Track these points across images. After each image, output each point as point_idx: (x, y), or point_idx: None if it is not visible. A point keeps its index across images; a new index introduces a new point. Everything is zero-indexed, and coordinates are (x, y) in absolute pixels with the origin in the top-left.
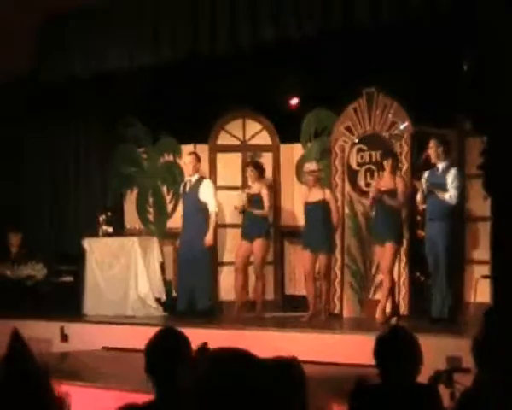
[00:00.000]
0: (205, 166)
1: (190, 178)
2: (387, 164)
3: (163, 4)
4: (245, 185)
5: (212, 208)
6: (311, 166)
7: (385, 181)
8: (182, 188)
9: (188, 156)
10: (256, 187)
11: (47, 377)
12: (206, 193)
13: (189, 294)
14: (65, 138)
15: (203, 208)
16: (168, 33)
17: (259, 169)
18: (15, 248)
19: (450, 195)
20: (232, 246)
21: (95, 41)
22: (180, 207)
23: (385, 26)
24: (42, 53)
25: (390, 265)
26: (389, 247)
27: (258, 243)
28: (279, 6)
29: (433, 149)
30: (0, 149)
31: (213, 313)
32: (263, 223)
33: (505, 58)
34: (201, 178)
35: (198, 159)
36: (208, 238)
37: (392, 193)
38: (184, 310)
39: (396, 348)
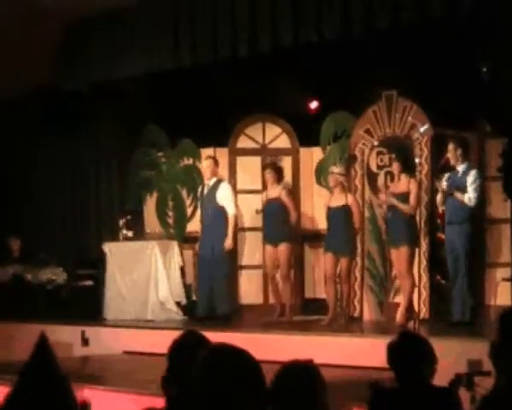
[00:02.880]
0: (224, 170)
1: (208, 181)
2: (395, 166)
3: (183, 9)
4: (265, 189)
5: (232, 212)
6: (335, 168)
7: (400, 184)
8: (199, 192)
9: (205, 160)
10: (275, 190)
11: (69, 381)
12: (224, 196)
13: (209, 298)
14: (85, 144)
15: (222, 212)
16: (188, 38)
17: (278, 172)
18: (17, 252)
19: (469, 197)
20: (252, 250)
21: (114, 48)
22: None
23: (404, 29)
24: (61, 61)
25: (407, 268)
26: (404, 250)
27: (282, 248)
28: (299, 10)
29: (451, 152)
30: (21, 156)
31: (232, 318)
32: (286, 227)
33: None
34: (219, 182)
35: (216, 163)
36: (228, 242)
37: (405, 196)
38: (204, 314)
39: (406, 353)
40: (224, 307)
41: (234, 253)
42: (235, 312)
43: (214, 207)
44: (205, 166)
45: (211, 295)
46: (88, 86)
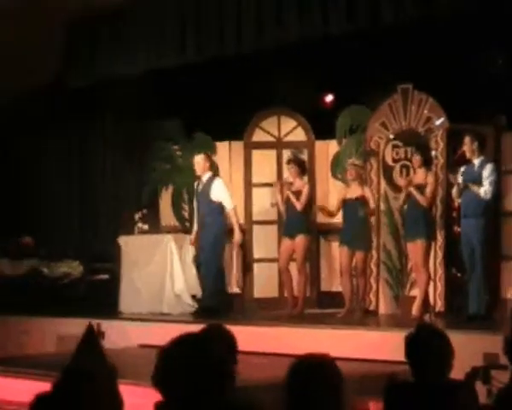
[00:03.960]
0: (240, 163)
1: (202, 177)
2: (416, 160)
3: (190, 3)
4: (281, 182)
5: (230, 206)
6: (356, 160)
7: (417, 177)
8: (195, 187)
9: (197, 155)
10: (298, 184)
11: (115, 374)
12: (218, 192)
13: (207, 291)
14: (101, 139)
15: (217, 207)
16: (196, 33)
17: (300, 166)
18: (30, 249)
19: (484, 190)
20: (267, 242)
21: (123, 42)
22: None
23: (420, 22)
24: (70, 56)
25: (423, 261)
26: (420, 244)
27: (299, 240)
28: (313, 2)
29: (468, 145)
30: (36, 150)
31: (219, 311)
32: (303, 219)
33: None
34: (213, 177)
35: (207, 158)
36: (236, 237)
37: (421, 189)
38: (204, 307)
39: (423, 346)
40: (220, 297)
41: (221, 248)
42: (223, 306)
43: (209, 203)
44: (196, 161)
45: (209, 287)
46: (100, 80)
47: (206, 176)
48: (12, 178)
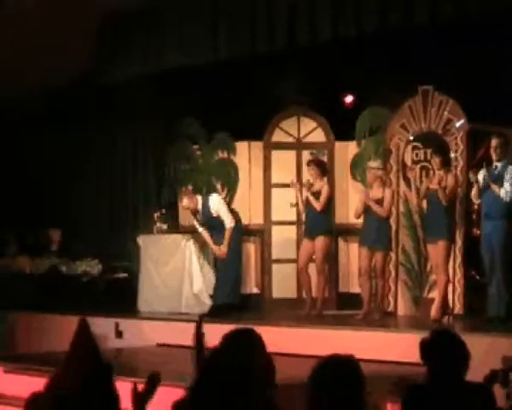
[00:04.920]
0: (259, 164)
1: (197, 208)
2: (436, 162)
3: (221, 2)
4: (301, 183)
5: (228, 225)
6: (374, 163)
7: (436, 179)
8: (195, 220)
9: (184, 200)
10: (318, 185)
11: (110, 371)
12: (217, 209)
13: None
14: (122, 137)
15: (217, 222)
16: (226, 32)
17: (320, 167)
18: (56, 244)
19: (505, 191)
20: (287, 243)
21: (152, 40)
22: (235, 204)
23: (441, 24)
24: (100, 54)
25: (443, 263)
26: (442, 245)
27: (319, 241)
28: (337, 5)
29: (494, 147)
30: (56, 148)
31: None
32: (324, 220)
33: None
34: (207, 197)
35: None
36: (223, 251)
37: (443, 190)
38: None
39: (438, 349)
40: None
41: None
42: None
43: (209, 219)
44: (184, 206)
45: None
46: (125, 80)
47: (199, 205)
48: (31, 175)
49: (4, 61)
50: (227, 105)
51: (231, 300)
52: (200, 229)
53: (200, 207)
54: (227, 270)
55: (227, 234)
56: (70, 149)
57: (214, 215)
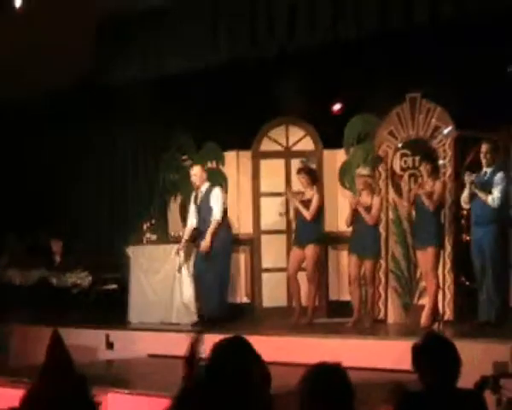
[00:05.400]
0: (248, 173)
1: (201, 188)
2: (425, 169)
3: (221, 7)
4: (291, 192)
5: (217, 216)
6: (362, 170)
7: (425, 185)
8: (193, 199)
9: (195, 167)
10: (308, 193)
11: (85, 381)
12: (214, 200)
13: (210, 300)
14: (112, 149)
15: (209, 214)
16: (226, 34)
17: (310, 175)
18: (59, 255)
19: (493, 198)
20: (276, 252)
21: (152, 42)
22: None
23: (428, 31)
24: (100, 55)
25: (432, 269)
26: (431, 251)
27: (309, 249)
28: (325, 9)
29: (485, 153)
30: (55, 150)
31: (225, 321)
32: (314, 228)
33: None
34: (212, 187)
35: (204, 169)
36: (205, 244)
37: (431, 197)
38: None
39: (430, 355)
40: (217, 310)
41: (229, 257)
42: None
43: (209, 213)
44: (194, 172)
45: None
46: (124, 81)
47: (204, 186)
48: (30, 179)
49: (4, 61)
50: (215, 115)
51: (220, 313)
52: (190, 222)
53: (203, 191)
54: (215, 280)
55: (212, 226)
56: (70, 151)
57: (210, 205)
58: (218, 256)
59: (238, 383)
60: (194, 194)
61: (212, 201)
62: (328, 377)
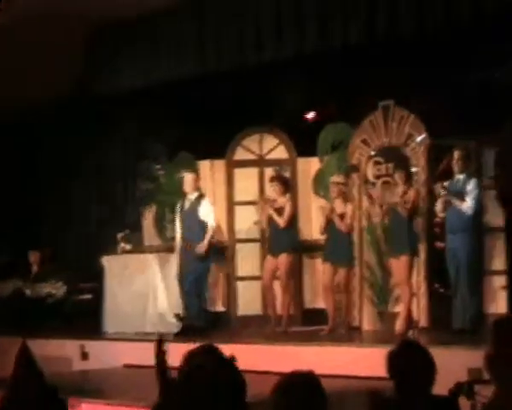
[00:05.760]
0: (222, 182)
1: (190, 196)
2: (399, 177)
3: (209, 18)
4: (264, 200)
5: (211, 223)
6: (337, 178)
7: (398, 193)
8: (180, 205)
9: (188, 174)
10: (281, 201)
11: (55, 393)
12: (206, 213)
13: (192, 309)
14: (88, 159)
15: (203, 226)
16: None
17: (283, 183)
18: (36, 266)
19: (467, 205)
20: (250, 260)
21: (137, 54)
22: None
23: (401, 40)
24: (87, 66)
25: (406, 277)
26: (404, 259)
27: (283, 258)
28: (300, 22)
29: (457, 160)
30: (25, 166)
31: (207, 331)
32: (288, 237)
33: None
34: (201, 196)
35: (198, 177)
36: (202, 246)
37: (404, 205)
38: (190, 325)
39: (405, 362)
40: (198, 318)
41: (208, 267)
42: (212, 322)
43: (196, 222)
44: (187, 179)
45: (194, 306)
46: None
47: (193, 195)
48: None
49: None
50: (189, 124)
51: (201, 322)
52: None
53: (191, 199)
54: (195, 290)
55: (209, 232)
56: (46, 163)
57: (201, 218)
58: (198, 264)
59: (210, 393)
60: (180, 202)
61: (206, 212)
62: (301, 385)
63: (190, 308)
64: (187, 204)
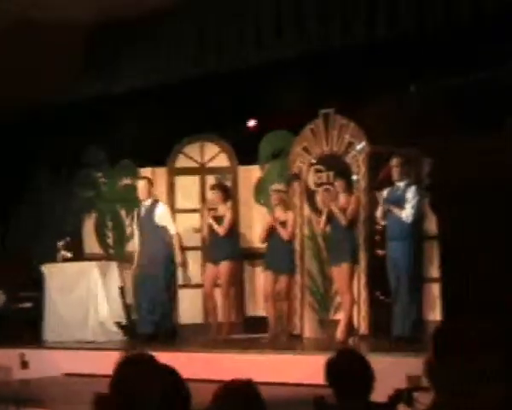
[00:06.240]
0: (163, 190)
1: (144, 202)
2: (339, 185)
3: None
4: (204, 208)
5: (173, 231)
6: (277, 186)
7: (338, 201)
8: (136, 213)
9: (140, 181)
10: (221, 209)
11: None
12: (163, 217)
13: (152, 316)
14: (31, 165)
15: (161, 232)
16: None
17: (223, 191)
18: None
19: (406, 213)
20: (192, 268)
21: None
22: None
23: (342, 48)
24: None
25: (347, 285)
26: (345, 267)
27: (223, 266)
28: (239, 33)
29: (396, 167)
30: None
31: (174, 336)
32: (228, 245)
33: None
34: (155, 202)
35: (151, 183)
36: (178, 259)
37: (344, 213)
38: (148, 332)
39: (343, 370)
40: (167, 323)
41: (174, 270)
42: (177, 330)
43: (153, 228)
44: (140, 186)
45: (154, 312)
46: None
47: (148, 201)
48: None
49: None
50: (130, 132)
51: (163, 327)
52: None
53: (146, 205)
54: (155, 297)
55: (176, 241)
56: None
57: (158, 224)
58: (160, 272)
59: (139, 404)
60: (136, 209)
61: (162, 216)
62: (238, 394)
63: (155, 315)
64: (142, 211)
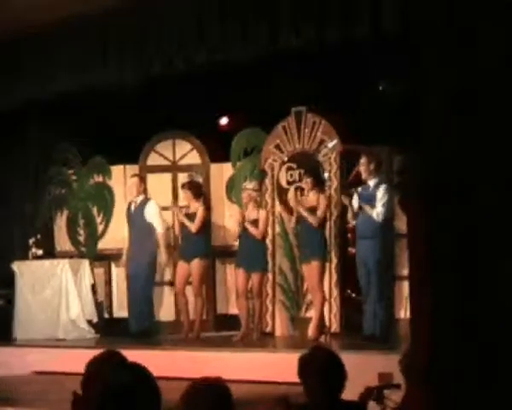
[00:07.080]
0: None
1: (135, 199)
2: (307, 182)
3: (112, 28)
4: (176, 205)
5: (160, 229)
6: (249, 183)
7: (309, 199)
8: (126, 209)
9: (131, 178)
10: (193, 207)
11: None
12: (153, 214)
13: (139, 314)
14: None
15: (149, 229)
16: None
17: (195, 189)
18: None
19: (377, 212)
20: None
21: (42, 65)
22: (111, 229)
23: (316, 46)
24: None
25: (318, 283)
26: (315, 265)
27: (195, 263)
28: (214, 29)
29: (364, 166)
30: None
31: (152, 333)
32: (200, 242)
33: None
34: (146, 200)
35: (142, 180)
36: (163, 258)
37: (313, 211)
38: (139, 330)
39: (315, 367)
40: (145, 323)
41: (155, 271)
42: (155, 328)
43: (142, 225)
44: (130, 183)
45: (141, 309)
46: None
47: (138, 198)
48: None
49: None
50: (102, 129)
51: (147, 326)
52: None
53: (136, 202)
54: (144, 292)
55: (161, 240)
56: None
57: (147, 221)
58: (145, 269)
59: (109, 401)
60: (127, 205)
61: (151, 213)
62: (208, 393)
63: (139, 312)
64: (132, 208)
